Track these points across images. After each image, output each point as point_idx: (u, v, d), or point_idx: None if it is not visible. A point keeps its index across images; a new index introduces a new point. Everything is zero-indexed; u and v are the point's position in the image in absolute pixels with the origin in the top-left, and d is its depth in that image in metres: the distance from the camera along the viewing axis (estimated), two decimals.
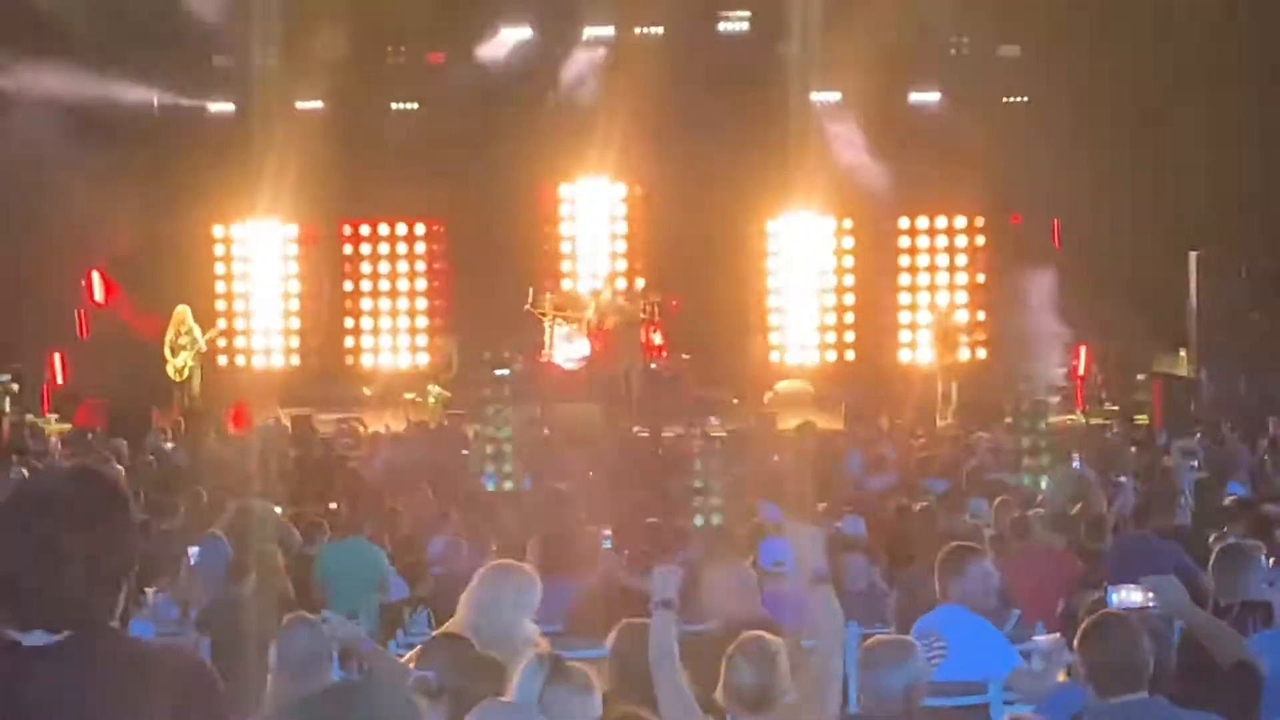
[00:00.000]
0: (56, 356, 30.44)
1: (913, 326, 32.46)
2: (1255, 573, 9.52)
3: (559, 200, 33.14)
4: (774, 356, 32.78)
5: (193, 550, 13.93)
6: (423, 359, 32.69)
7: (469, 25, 31.42)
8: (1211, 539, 13.35)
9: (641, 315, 30.30)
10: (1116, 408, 29.20)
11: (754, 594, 9.43)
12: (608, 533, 14.43)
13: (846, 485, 18.33)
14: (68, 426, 27.43)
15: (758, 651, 7.32)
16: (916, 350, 31.96)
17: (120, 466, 19.98)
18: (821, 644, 7.66)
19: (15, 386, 28.70)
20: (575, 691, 6.17)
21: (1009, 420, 25.51)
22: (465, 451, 23.64)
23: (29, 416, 28.28)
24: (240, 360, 32.87)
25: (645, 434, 25.05)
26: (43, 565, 3.93)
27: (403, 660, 8.56)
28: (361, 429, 26.68)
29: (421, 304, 33.30)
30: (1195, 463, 20.42)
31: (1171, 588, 8.01)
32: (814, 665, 7.55)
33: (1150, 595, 7.90)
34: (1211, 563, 9.52)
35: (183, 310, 29.68)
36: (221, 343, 31.73)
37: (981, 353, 31.43)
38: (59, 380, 30.42)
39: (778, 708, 7.30)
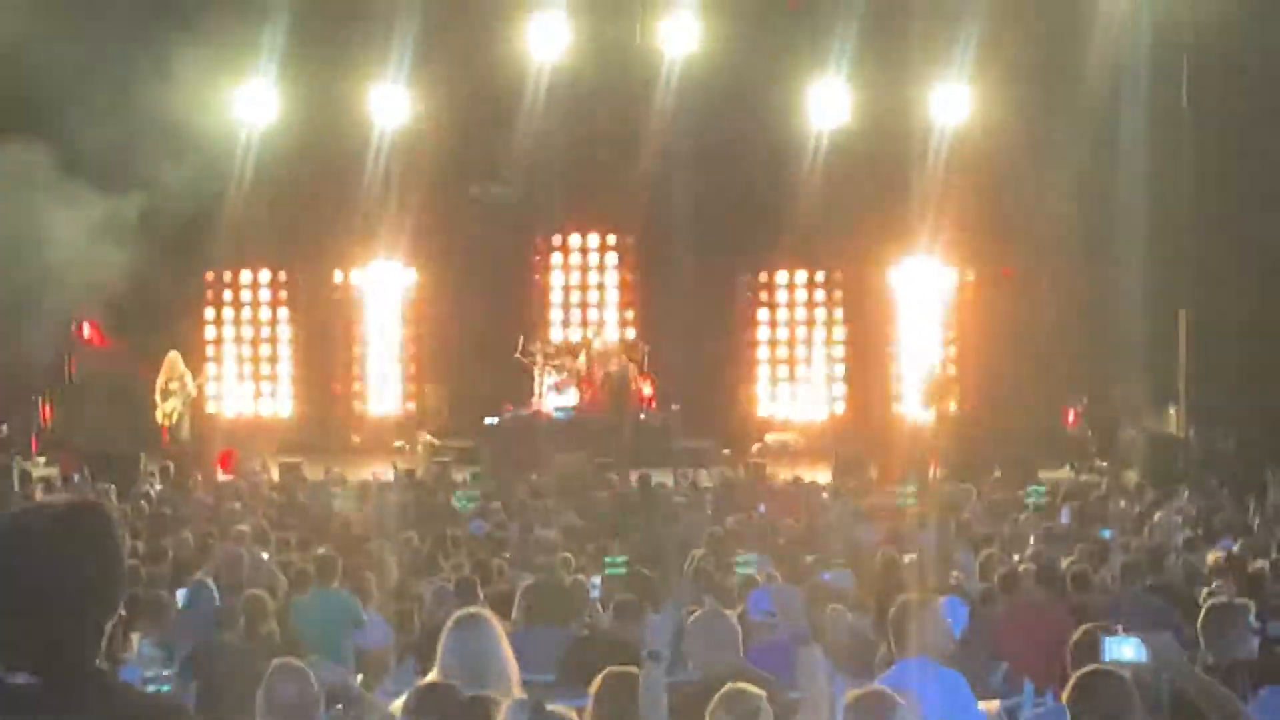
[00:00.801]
0: (44, 401, 30.40)
1: (903, 379, 32.49)
2: (1244, 631, 9.49)
3: (551, 249, 33.18)
4: (764, 407, 32.79)
5: (180, 594, 13.89)
6: (412, 407, 32.71)
7: (463, 75, 31.45)
8: (1201, 596, 13.38)
9: (631, 365, 30.33)
10: (1106, 463, 29.20)
11: (736, 644, 9.38)
12: (596, 581, 14.39)
13: (835, 537, 18.29)
14: (55, 471, 27.39)
15: (740, 704, 7.28)
16: (907, 403, 31.98)
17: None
18: (806, 701, 7.63)
19: (4, 429, 28.66)
20: None
21: (998, 474, 25.55)
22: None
23: (17, 460, 28.22)
24: (230, 407, 32.89)
25: (634, 483, 25.01)
26: (27, 606, 3.89)
27: (390, 709, 8.53)
28: (350, 476, 26.63)
29: (411, 352, 33.29)
30: (1181, 518, 20.43)
31: (1165, 643, 7.99)
32: None
33: (1144, 650, 7.88)
34: (1200, 620, 9.49)
35: (174, 356, 29.73)
36: (211, 389, 31.74)
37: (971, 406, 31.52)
38: (46, 425, 30.38)
39: None
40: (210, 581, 14.08)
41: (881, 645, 12.03)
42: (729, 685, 7.48)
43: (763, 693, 7.44)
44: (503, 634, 8.23)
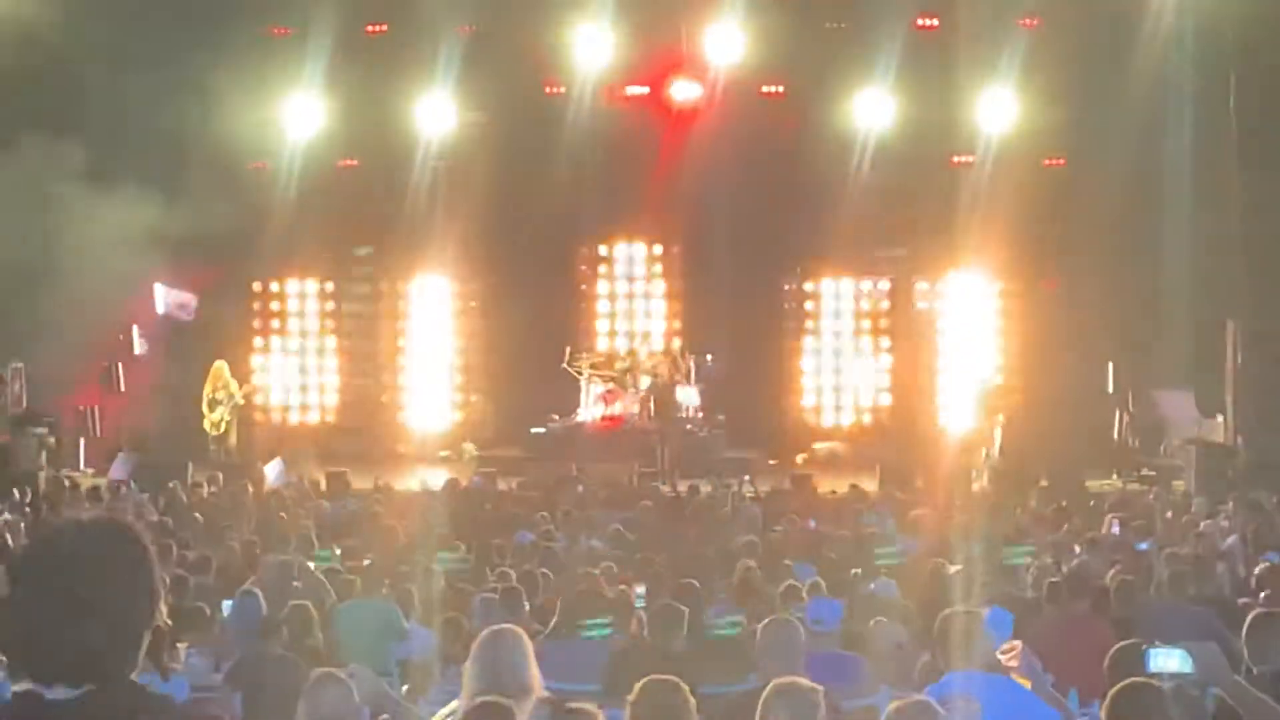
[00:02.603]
0: (93, 411, 30.52)
1: (949, 389, 32.43)
2: None
3: (597, 259, 33.20)
4: (809, 417, 32.74)
5: (227, 605, 13.93)
6: (458, 417, 32.76)
7: (508, 86, 31.52)
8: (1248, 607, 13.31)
9: (677, 375, 30.31)
10: (1154, 473, 29.08)
11: (799, 654, 9.42)
12: (640, 591, 14.39)
13: (880, 547, 18.22)
14: (103, 481, 27.50)
15: (796, 696, 7.31)
16: (953, 412, 31.84)
17: (151, 519, 20.09)
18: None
19: (52, 440, 28.77)
20: None
21: (1044, 484, 25.46)
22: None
23: (65, 471, 28.36)
24: (277, 417, 33.00)
25: (680, 493, 25.01)
26: (62, 621, 3.91)
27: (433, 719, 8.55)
28: (396, 485, 26.65)
29: (458, 362, 33.35)
30: (1229, 528, 20.30)
31: (1210, 654, 7.96)
32: None
33: (1189, 661, 7.85)
34: (1245, 630, 9.46)
35: (220, 366, 29.83)
36: (259, 399, 31.82)
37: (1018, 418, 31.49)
38: (96, 433, 30.50)
39: None
40: (257, 592, 14.12)
41: (925, 656, 12.04)
42: (785, 679, 7.51)
43: (819, 688, 7.47)
44: (529, 648, 8.28)
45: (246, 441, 30.18)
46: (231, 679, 11.40)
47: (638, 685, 7.77)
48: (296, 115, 31.40)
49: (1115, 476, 29.35)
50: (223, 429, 29.62)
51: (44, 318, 27.98)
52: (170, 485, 23.90)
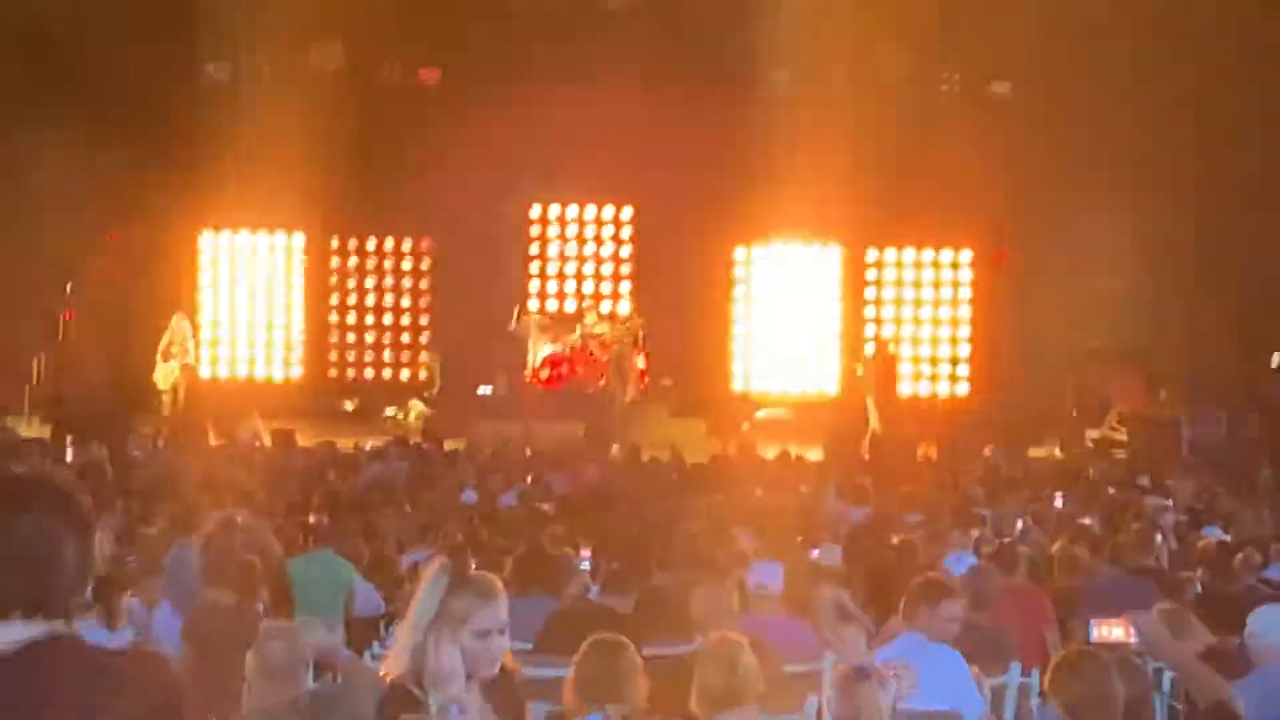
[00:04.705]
0: (37, 360, 30.37)
1: (898, 358, 32.45)
2: (1198, 632, 9.48)
3: (546, 221, 33.15)
4: (755, 384, 32.75)
5: (172, 557, 13.92)
6: (405, 374, 32.74)
7: (463, 44, 31.42)
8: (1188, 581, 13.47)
9: (625, 339, 30.28)
10: (1095, 447, 29.25)
11: (733, 616, 9.51)
12: (586, 553, 14.44)
13: (825, 515, 18.32)
14: (48, 430, 27.39)
15: (723, 651, 7.42)
16: (903, 382, 31.74)
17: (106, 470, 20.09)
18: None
19: None
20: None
21: (988, 454, 25.60)
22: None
23: (9, 420, 28.25)
24: (224, 371, 32.89)
25: (626, 457, 25.06)
26: (40, 548, 3.86)
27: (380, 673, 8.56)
28: (341, 443, 26.61)
29: (406, 320, 33.29)
30: (1171, 503, 20.48)
31: (1152, 624, 8.05)
32: None
33: (1131, 631, 7.93)
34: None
35: (179, 319, 29.77)
36: (206, 353, 31.66)
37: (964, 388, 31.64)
38: (39, 384, 30.36)
39: (746, 706, 7.39)
40: (203, 545, 14.11)
41: (868, 622, 12.11)
42: (715, 635, 7.63)
43: (745, 640, 7.55)
44: None
45: (193, 395, 30.04)
46: (179, 632, 11.40)
47: (584, 644, 7.80)
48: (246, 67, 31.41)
49: (1058, 449, 29.52)
50: (170, 382, 29.51)
51: None
52: (118, 438, 23.83)
